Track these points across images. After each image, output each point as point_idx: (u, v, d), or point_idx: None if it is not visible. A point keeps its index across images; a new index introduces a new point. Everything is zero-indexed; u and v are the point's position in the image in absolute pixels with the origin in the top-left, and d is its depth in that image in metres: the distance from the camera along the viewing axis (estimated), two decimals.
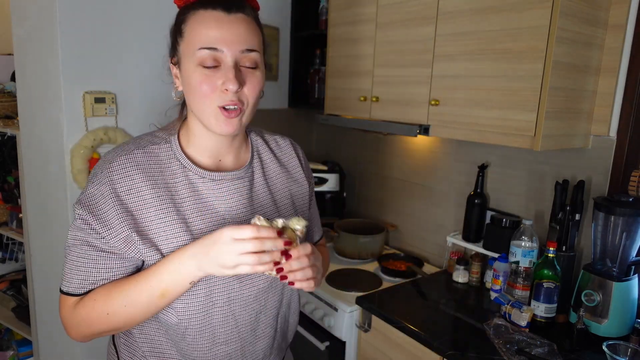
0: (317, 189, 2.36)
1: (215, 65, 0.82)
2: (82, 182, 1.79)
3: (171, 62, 0.90)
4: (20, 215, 2.21)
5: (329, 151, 2.68)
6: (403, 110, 1.76)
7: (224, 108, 0.83)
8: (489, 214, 1.83)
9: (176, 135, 0.92)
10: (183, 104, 0.95)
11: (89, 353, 1.95)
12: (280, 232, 0.78)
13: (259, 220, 0.78)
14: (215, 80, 0.82)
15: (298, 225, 0.80)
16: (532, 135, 1.38)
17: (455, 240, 1.90)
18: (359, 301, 1.67)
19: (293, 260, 0.78)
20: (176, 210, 0.86)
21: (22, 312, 2.37)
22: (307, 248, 0.80)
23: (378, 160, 2.37)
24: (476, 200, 1.83)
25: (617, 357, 1.25)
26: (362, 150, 2.46)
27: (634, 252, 1.41)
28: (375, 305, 1.62)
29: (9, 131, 2.14)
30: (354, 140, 2.51)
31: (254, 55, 0.85)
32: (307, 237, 1.00)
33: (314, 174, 2.35)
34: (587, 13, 1.39)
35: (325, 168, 2.41)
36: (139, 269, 0.88)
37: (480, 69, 1.48)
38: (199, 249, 0.78)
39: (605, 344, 1.29)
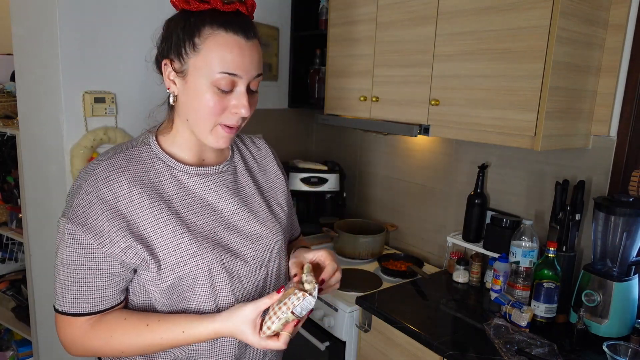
0: (317, 189, 2.36)
1: (230, 89, 0.86)
2: None
3: (166, 63, 0.88)
4: (20, 215, 2.21)
5: (329, 151, 2.68)
6: (403, 110, 1.76)
7: (227, 126, 0.88)
8: (489, 214, 1.82)
9: (154, 137, 0.93)
10: (169, 105, 0.94)
11: None
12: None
13: (306, 276, 0.88)
14: (227, 102, 0.86)
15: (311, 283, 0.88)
16: (532, 135, 1.37)
17: (455, 240, 1.90)
18: (359, 301, 1.67)
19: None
20: (167, 208, 0.87)
21: (22, 312, 2.37)
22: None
23: (378, 160, 2.37)
24: (476, 200, 1.83)
25: (618, 358, 1.25)
26: (362, 150, 2.46)
27: (634, 252, 1.41)
28: (375, 305, 1.62)
29: (9, 131, 2.14)
30: (354, 140, 2.51)
31: (259, 78, 0.89)
32: (290, 234, 1.17)
33: (314, 174, 2.35)
34: (587, 13, 1.39)
35: (325, 168, 2.40)
36: (129, 280, 0.89)
37: (480, 69, 1.48)
38: (229, 328, 0.84)
39: (605, 344, 1.29)
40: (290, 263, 1.00)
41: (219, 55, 0.83)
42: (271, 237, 0.99)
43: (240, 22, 0.85)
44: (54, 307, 0.87)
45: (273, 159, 1.13)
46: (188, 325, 0.85)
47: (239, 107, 0.86)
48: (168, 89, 0.89)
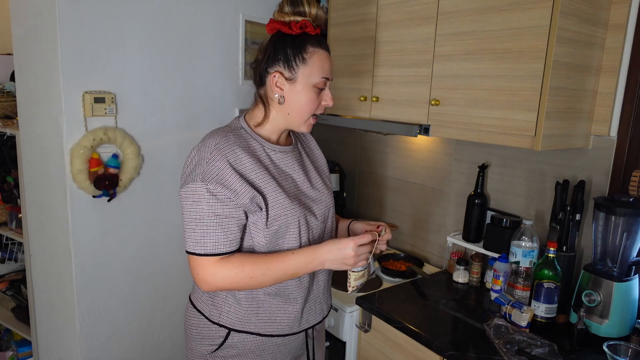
0: None
1: (322, 88, 1.18)
2: (81, 182, 1.79)
3: (275, 75, 1.14)
4: (20, 215, 2.21)
5: (329, 151, 2.68)
6: (403, 110, 1.76)
7: (315, 115, 1.20)
8: (489, 214, 1.82)
9: (246, 123, 1.20)
10: (264, 105, 1.21)
11: (88, 353, 1.95)
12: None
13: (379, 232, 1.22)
14: (320, 99, 1.19)
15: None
16: (533, 135, 1.37)
17: (455, 240, 1.90)
18: (359, 301, 1.67)
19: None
20: (267, 173, 1.15)
21: (22, 312, 2.37)
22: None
23: (378, 160, 2.37)
24: (476, 200, 1.83)
25: (618, 358, 1.25)
26: (362, 150, 2.46)
27: (635, 252, 1.41)
28: (375, 305, 1.62)
29: (9, 131, 2.14)
30: (354, 140, 2.51)
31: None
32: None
33: None
34: (587, 13, 1.39)
35: None
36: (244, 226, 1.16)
37: (480, 69, 1.48)
38: (329, 256, 1.13)
39: (605, 344, 1.29)
40: (360, 224, 1.37)
41: (320, 65, 1.15)
42: (327, 200, 1.29)
43: (325, 41, 1.18)
44: (195, 253, 1.10)
45: (316, 144, 1.42)
46: (295, 250, 1.15)
47: (327, 100, 1.19)
48: (276, 94, 1.16)
